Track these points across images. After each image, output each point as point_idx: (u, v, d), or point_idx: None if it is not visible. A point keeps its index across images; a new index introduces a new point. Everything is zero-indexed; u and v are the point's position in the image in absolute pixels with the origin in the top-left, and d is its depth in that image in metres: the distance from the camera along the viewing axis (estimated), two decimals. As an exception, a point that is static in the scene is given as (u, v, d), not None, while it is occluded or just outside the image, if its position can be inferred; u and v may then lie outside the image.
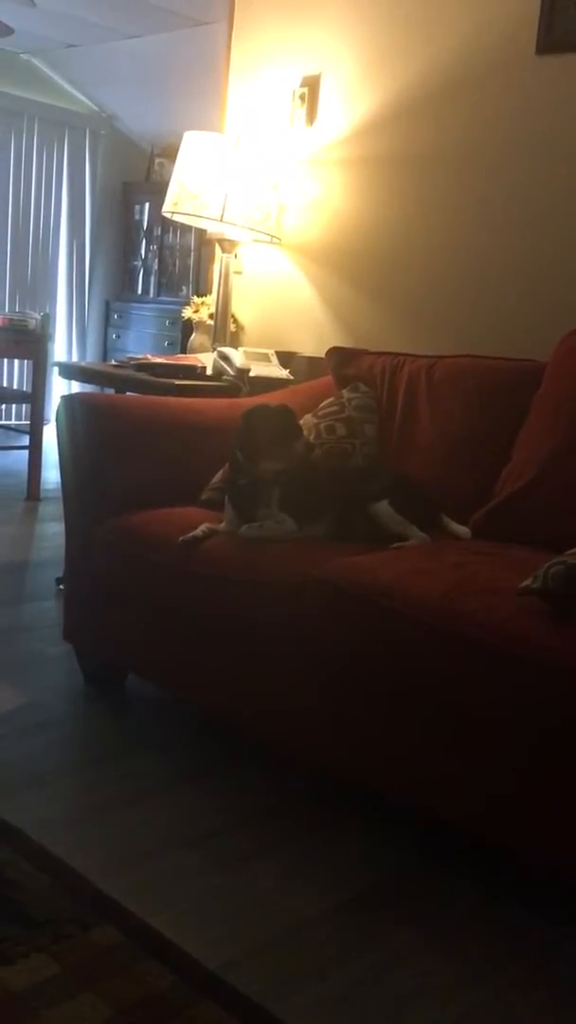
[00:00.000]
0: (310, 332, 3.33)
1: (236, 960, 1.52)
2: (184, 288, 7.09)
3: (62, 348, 7.48)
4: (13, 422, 6.80)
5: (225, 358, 3.09)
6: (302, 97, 3.30)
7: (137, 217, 7.55)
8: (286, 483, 2.21)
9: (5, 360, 6.82)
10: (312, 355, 3.24)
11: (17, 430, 5.96)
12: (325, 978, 1.51)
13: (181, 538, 2.17)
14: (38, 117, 7.08)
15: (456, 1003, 1.48)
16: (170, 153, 6.83)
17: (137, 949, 1.51)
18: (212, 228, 3.30)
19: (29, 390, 5.17)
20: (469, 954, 1.59)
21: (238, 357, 3.07)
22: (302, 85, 3.30)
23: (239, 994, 1.43)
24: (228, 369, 3.06)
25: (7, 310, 6.48)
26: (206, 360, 3.20)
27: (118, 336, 7.56)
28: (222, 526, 2.24)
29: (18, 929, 1.53)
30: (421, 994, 1.49)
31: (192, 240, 7.00)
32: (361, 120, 3.16)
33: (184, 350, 4.42)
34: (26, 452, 4.95)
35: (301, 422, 2.70)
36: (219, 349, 3.15)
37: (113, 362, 3.70)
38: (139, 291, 7.56)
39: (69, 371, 3.85)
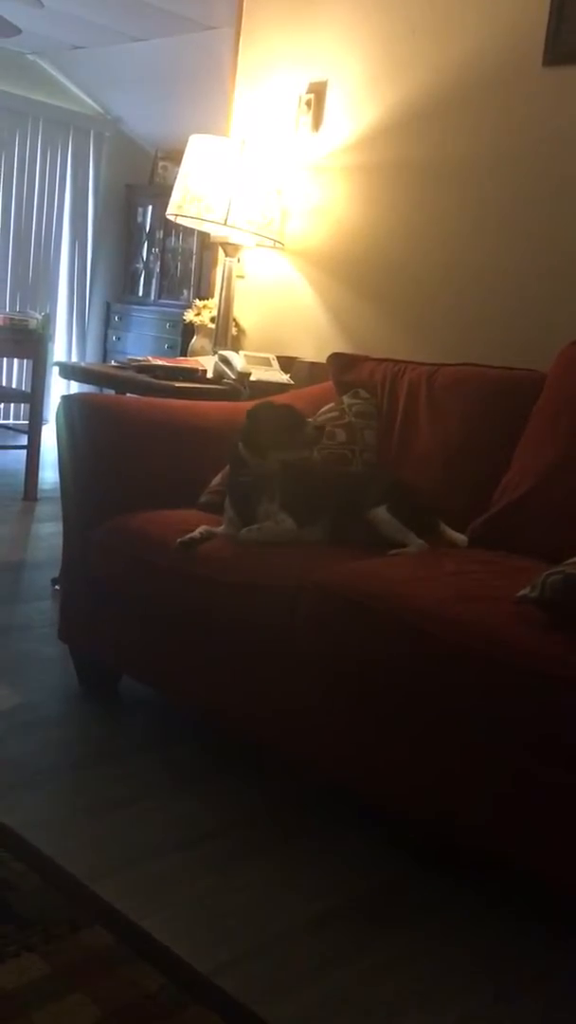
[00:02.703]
0: (311, 337, 3.34)
1: (227, 964, 1.51)
2: (185, 291, 7.10)
3: (61, 349, 7.48)
4: (11, 421, 6.80)
5: (226, 362, 3.09)
6: (308, 103, 3.31)
7: (140, 220, 7.56)
8: (289, 481, 2.22)
9: (5, 359, 6.82)
10: (313, 360, 3.25)
11: (15, 429, 5.95)
12: (316, 984, 1.50)
13: (179, 540, 2.16)
14: (43, 118, 7.09)
15: (447, 1012, 1.47)
16: (174, 156, 6.87)
17: (128, 951, 1.51)
18: (216, 232, 3.31)
19: (28, 390, 5.17)
20: (461, 963, 1.59)
21: (239, 361, 3.07)
22: (308, 91, 3.31)
23: (229, 998, 1.43)
24: (229, 373, 3.06)
25: (8, 309, 6.48)
26: (207, 363, 3.20)
27: (118, 338, 7.56)
28: (221, 528, 2.24)
29: (8, 928, 1.52)
30: (411, 1002, 1.49)
31: (194, 244, 7.01)
32: (366, 127, 3.17)
33: (184, 353, 4.42)
34: (24, 452, 4.95)
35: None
36: (220, 352, 3.15)
37: (114, 363, 3.70)
38: (140, 293, 7.57)
39: (69, 371, 3.85)
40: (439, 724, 1.76)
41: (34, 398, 5.02)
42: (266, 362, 3.18)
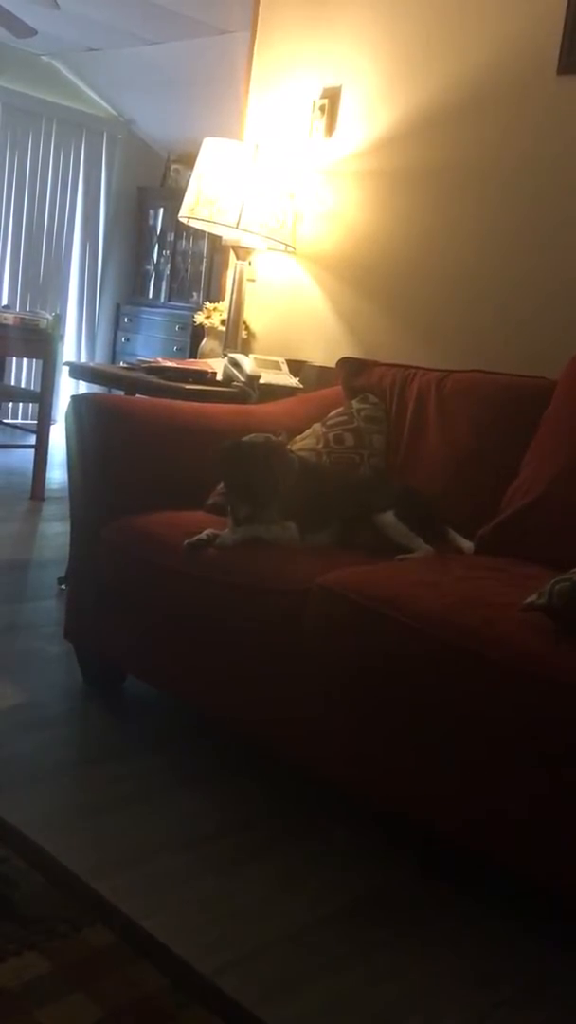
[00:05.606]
0: (321, 341, 3.34)
1: (228, 965, 1.51)
2: (195, 294, 7.13)
3: (71, 349, 7.50)
4: (20, 421, 6.82)
5: (236, 364, 3.09)
6: (322, 108, 3.31)
7: (151, 222, 7.59)
8: (298, 487, 2.22)
9: (15, 359, 6.85)
10: (322, 364, 3.25)
11: (24, 429, 5.97)
12: (316, 986, 1.50)
13: (186, 541, 2.17)
14: (56, 119, 7.12)
15: (449, 1016, 1.47)
16: (186, 159, 6.89)
17: (129, 951, 1.51)
18: (227, 235, 3.31)
19: (38, 389, 5.19)
20: (462, 970, 1.58)
21: (249, 364, 3.08)
22: (322, 96, 3.32)
23: (230, 1000, 1.43)
24: (238, 375, 3.06)
25: (19, 309, 6.51)
26: (216, 366, 3.20)
27: (127, 339, 7.58)
28: (226, 531, 2.24)
29: (10, 926, 1.53)
30: (411, 1007, 1.48)
31: (204, 246, 7.03)
32: (380, 133, 3.17)
33: (193, 355, 4.43)
34: (32, 451, 4.96)
35: (309, 431, 2.72)
36: (230, 355, 3.16)
37: (123, 364, 3.71)
38: (150, 295, 7.59)
39: (79, 372, 3.85)
40: (444, 729, 1.76)
41: (43, 398, 5.03)
42: (276, 365, 3.18)
